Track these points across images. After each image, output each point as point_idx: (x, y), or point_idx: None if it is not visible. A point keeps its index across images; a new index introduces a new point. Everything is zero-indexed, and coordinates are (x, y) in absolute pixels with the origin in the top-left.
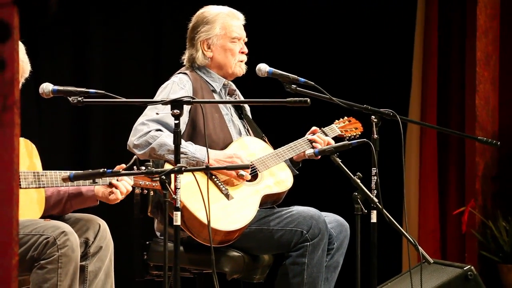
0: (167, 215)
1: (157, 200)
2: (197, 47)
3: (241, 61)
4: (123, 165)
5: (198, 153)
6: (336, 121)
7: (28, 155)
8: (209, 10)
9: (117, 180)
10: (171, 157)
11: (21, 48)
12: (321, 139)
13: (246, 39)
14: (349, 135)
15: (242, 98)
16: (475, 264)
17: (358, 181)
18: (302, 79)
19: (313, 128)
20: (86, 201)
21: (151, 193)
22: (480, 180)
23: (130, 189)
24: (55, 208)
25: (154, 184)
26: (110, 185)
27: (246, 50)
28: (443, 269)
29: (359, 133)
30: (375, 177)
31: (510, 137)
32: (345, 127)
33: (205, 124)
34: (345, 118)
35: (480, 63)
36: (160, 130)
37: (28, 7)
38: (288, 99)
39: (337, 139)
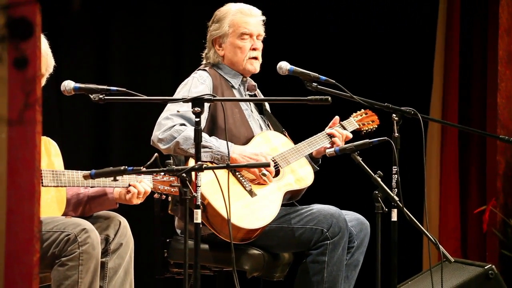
0: (188, 212)
1: (177, 198)
2: (210, 46)
3: (253, 58)
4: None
5: (223, 148)
6: (354, 114)
7: (46, 153)
8: (221, 8)
9: (137, 181)
10: None
11: (44, 42)
12: (339, 133)
13: (262, 35)
14: (366, 128)
15: (261, 95)
16: (496, 263)
17: (379, 179)
18: (323, 77)
19: (334, 119)
20: (105, 203)
21: (169, 198)
22: (501, 179)
23: (149, 190)
24: (75, 211)
25: (172, 189)
26: (128, 187)
27: (258, 46)
28: (464, 268)
29: (376, 126)
30: (396, 175)
31: None
32: (362, 120)
33: (225, 119)
34: (362, 110)
35: (502, 61)
36: (184, 124)
37: (51, 5)
38: (309, 97)
39: (354, 132)
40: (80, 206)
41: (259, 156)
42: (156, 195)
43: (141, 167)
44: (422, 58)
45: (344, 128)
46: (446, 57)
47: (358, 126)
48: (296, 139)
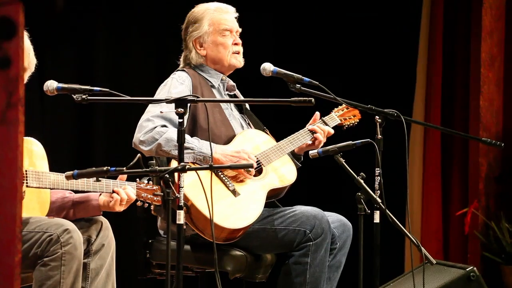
0: (170, 213)
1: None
2: (190, 47)
3: (236, 52)
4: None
5: (205, 148)
6: (335, 109)
7: (29, 154)
8: (196, 9)
9: (121, 188)
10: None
11: (27, 38)
12: (321, 129)
13: (239, 30)
14: (348, 123)
15: (240, 95)
16: (478, 265)
17: (362, 181)
18: (307, 79)
19: (315, 115)
20: (89, 210)
21: (152, 207)
22: (484, 181)
23: (133, 197)
24: (58, 214)
25: (155, 198)
26: (112, 193)
27: (239, 41)
28: (445, 270)
29: (357, 120)
30: (379, 177)
31: None
32: (343, 115)
33: (208, 120)
34: (343, 105)
35: (484, 64)
36: (165, 126)
37: (34, 5)
38: (293, 98)
39: (336, 128)
40: (63, 210)
41: (241, 154)
42: (139, 203)
43: (124, 168)
44: (405, 60)
45: (326, 124)
46: (429, 59)
47: (340, 121)
48: (277, 137)
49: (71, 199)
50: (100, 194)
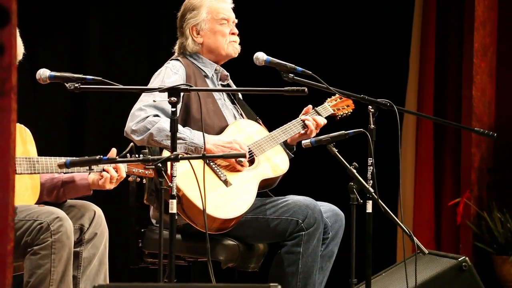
0: (163, 203)
1: (153, 188)
2: (187, 35)
3: (233, 42)
4: (114, 150)
5: (197, 139)
6: (328, 99)
7: (22, 141)
8: None
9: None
10: (170, 143)
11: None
12: (314, 119)
13: (236, 21)
14: (341, 113)
15: (233, 85)
16: (470, 255)
17: (354, 171)
18: (300, 68)
19: (307, 107)
20: (79, 189)
21: (144, 181)
22: (476, 172)
23: (123, 175)
24: (49, 196)
25: (147, 172)
26: (104, 171)
27: (236, 31)
28: (437, 259)
29: (351, 110)
30: (371, 167)
31: (506, 128)
32: (337, 105)
33: (201, 110)
34: (337, 95)
35: (477, 54)
36: (157, 115)
37: None
38: (285, 88)
39: (329, 118)
40: (54, 190)
41: (233, 144)
42: (130, 178)
43: (116, 157)
44: (398, 50)
45: (319, 114)
46: (421, 49)
47: (332, 111)
48: (270, 127)
49: (61, 179)
50: (90, 173)
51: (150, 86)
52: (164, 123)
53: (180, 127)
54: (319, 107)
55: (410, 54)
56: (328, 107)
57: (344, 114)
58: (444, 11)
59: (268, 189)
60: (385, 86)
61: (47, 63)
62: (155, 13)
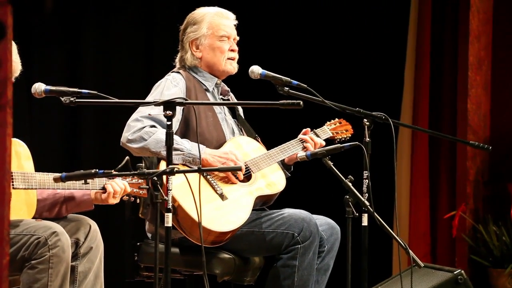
0: (159, 216)
1: (148, 202)
2: (186, 48)
3: (231, 59)
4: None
5: (194, 150)
6: (328, 122)
7: (16, 156)
8: (197, 11)
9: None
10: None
11: (13, 47)
12: (312, 140)
13: (237, 38)
14: (340, 137)
15: (235, 99)
16: (465, 268)
17: (350, 184)
18: (295, 82)
19: (305, 129)
20: (81, 204)
21: (138, 201)
22: (471, 185)
23: (126, 188)
24: (51, 211)
25: (141, 192)
26: (103, 189)
27: (236, 48)
28: (433, 273)
29: (350, 135)
30: (367, 180)
31: (502, 141)
32: (336, 129)
33: (197, 123)
34: (336, 119)
35: (472, 67)
36: (154, 126)
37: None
38: (281, 101)
39: (328, 141)
40: (56, 207)
41: (229, 155)
42: (125, 198)
43: (112, 170)
44: (393, 63)
45: (317, 136)
46: (417, 63)
47: (331, 134)
48: (269, 145)
49: (63, 195)
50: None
51: (149, 97)
52: (161, 134)
53: (178, 138)
54: (318, 129)
55: (405, 67)
56: (327, 130)
57: (343, 139)
58: (439, 24)
59: (264, 206)
60: (380, 99)
61: (42, 77)
62: (151, 25)
